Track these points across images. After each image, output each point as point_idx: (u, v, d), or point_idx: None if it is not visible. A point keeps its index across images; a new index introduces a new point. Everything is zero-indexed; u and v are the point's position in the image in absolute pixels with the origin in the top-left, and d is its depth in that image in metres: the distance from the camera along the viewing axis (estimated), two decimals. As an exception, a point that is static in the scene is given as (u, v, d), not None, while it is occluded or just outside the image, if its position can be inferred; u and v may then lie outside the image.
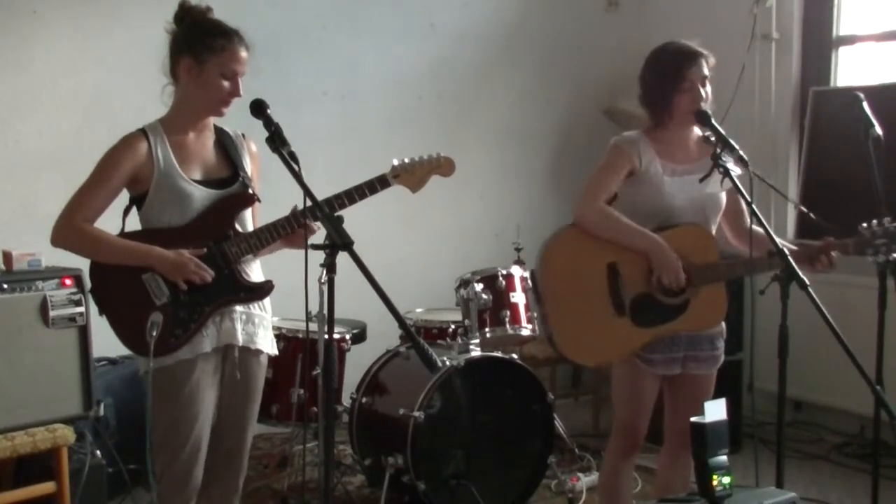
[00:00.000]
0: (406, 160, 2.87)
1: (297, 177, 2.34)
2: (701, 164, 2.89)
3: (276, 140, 2.36)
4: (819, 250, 2.87)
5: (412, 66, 5.27)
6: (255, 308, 2.75)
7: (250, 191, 2.73)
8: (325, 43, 4.98)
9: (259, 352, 2.77)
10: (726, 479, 2.30)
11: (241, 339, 2.70)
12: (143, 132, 2.65)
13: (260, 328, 2.77)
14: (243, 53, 2.66)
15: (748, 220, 3.04)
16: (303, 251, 2.36)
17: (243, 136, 2.82)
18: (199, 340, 2.64)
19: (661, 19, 5.52)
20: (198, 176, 2.67)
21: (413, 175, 2.88)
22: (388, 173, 2.84)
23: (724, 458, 2.31)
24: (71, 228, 2.59)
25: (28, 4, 4.21)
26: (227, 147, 2.75)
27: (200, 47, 2.61)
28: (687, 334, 2.95)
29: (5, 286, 3.29)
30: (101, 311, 2.67)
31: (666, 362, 2.94)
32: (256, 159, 2.83)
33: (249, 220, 2.76)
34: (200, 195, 2.65)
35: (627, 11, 5.81)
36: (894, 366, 3.45)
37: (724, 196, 3.00)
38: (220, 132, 2.77)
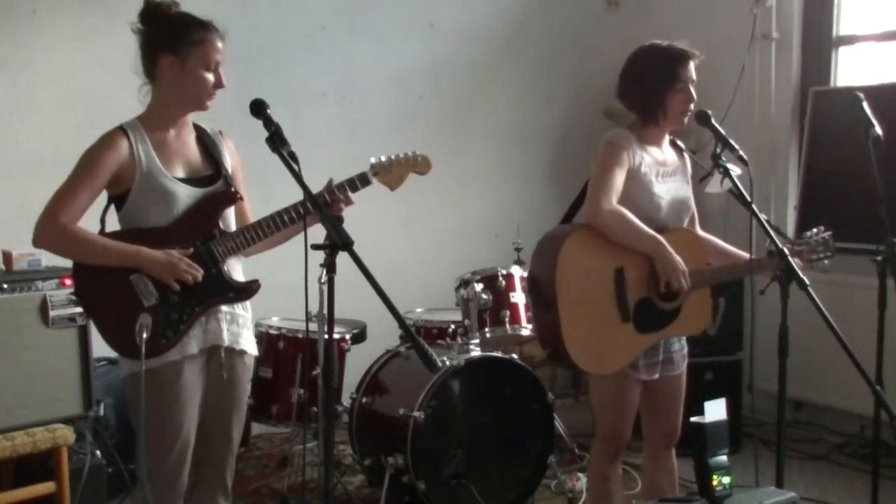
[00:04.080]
0: (383, 158, 2.85)
1: (297, 177, 2.34)
2: (677, 167, 2.98)
3: (276, 140, 2.35)
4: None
5: (412, 66, 5.27)
6: (238, 308, 2.71)
7: (233, 189, 2.69)
8: (325, 43, 4.98)
9: (243, 352, 2.73)
10: (726, 479, 2.30)
11: (226, 339, 2.67)
12: (122, 130, 2.59)
13: (244, 328, 2.73)
14: (220, 43, 2.62)
15: (698, 225, 3.09)
16: (302, 251, 2.35)
17: (221, 133, 2.78)
18: (187, 342, 2.59)
19: (661, 19, 5.52)
20: (181, 174, 2.62)
21: (391, 173, 2.86)
22: (368, 171, 2.81)
23: (724, 458, 2.31)
24: (56, 229, 2.52)
25: (28, 4, 4.21)
26: (207, 145, 2.71)
27: (180, 42, 2.56)
28: (674, 337, 2.96)
29: (5, 286, 3.29)
30: (87, 314, 2.62)
31: (648, 367, 2.93)
32: (236, 156, 2.80)
33: (232, 219, 2.72)
34: (185, 194, 2.60)
35: (627, 11, 5.81)
36: (894, 366, 3.46)
37: (692, 198, 3.02)
38: (199, 130, 2.73)
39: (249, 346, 2.75)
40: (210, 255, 2.61)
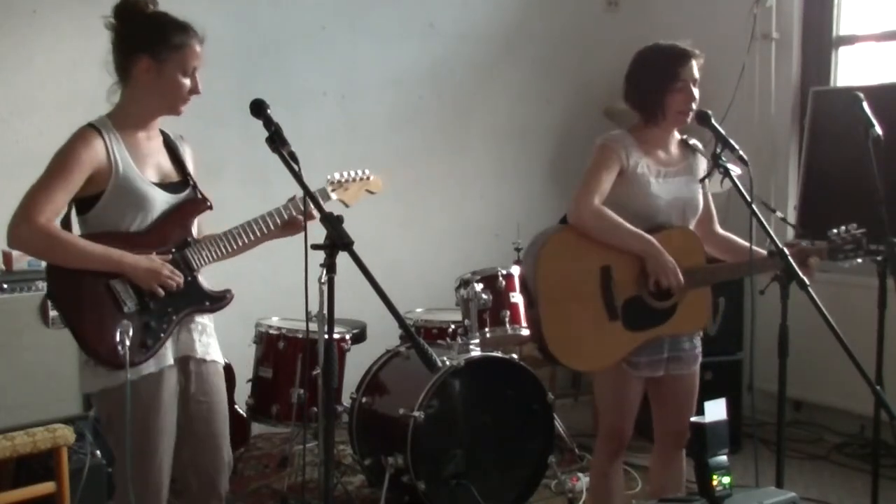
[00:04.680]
0: (337, 175, 2.88)
1: (297, 177, 2.33)
2: (682, 167, 2.96)
3: (276, 140, 2.32)
4: (796, 255, 2.85)
5: (412, 66, 5.27)
6: (206, 318, 2.66)
7: (199, 195, 2.64)
8: (325, 43, 4.98)
9: (215, 362, 2.68)
10: (726, 479, 2.30)
11: (199, 350, 2.61)
12: (95, 129, 2.47)
13: (212, 338, 2.68)
14: (199, 48, 2.52)
15: (717, 224, 3.08)
16: (302, 251, 2.34)
17: (181, 137, 2.71)
18: (163, 353, 2.51)
19: (661, 19, 5.52)
20: (154, 178, 2.54)
21: (347, 190, 2.89)
22: (327, 186, 2.83)
23: (724, 458, 2.31)
24: (36, 229, 2.37)
25: (28, 4, 4.21)
26: (173, 150, 2.65)
27: (159, 45, 2.47)
28: (670, 336, 2.95)
29: (5, 286, 3.29)
30: (64, 319, 2.46)
31: (650, 365, 2.93)
32: (193, 162, 2.71)
33: (196, 227, 2.68)
34: (160, 199, 2.52)
35: (627, 11, 5.81)
36: (894, 366, 3.46)
37: (701, 198, 3.01)
38: (163, 134, 2.65)
39: (218, 355, 2.70)
40: (186, 263, 2.57)
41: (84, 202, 2.49)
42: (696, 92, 2.88)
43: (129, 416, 2.41)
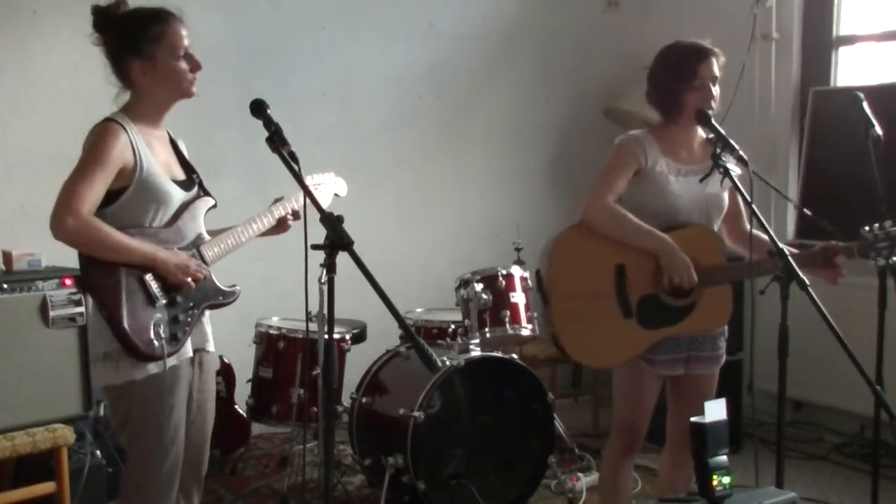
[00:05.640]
0: (310, 179, 2.89)
1: (297, 177, 2.34)
2: (705, 165, 2.90)
3: (276, 140, 2.34)
4: (823, 253, 2.85)
5: (412, 66, 5.27)
6: (208, 311, 2.71)
7: (207, 192, 2.69)
8: (325, 43, 4.98)
9: (214, 352, 2.76)
10: (726, 479, 2.30)
11: (211, 343, 2.70)
12: (118, 124, 2.50)
13: (210, 327, 2.74)
14: (183, 29, 2.54)
15: (746, 222, 3.06)
16: (302, 251, 2.34)
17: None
18: (185, 346, 2.59)
19: (661, 19, 5.52)
20: (168, 175, 2.58)
21: (320, 193, 2.91)
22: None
23: (724, 458, 2.31)
24: (83, 221, 2.39)
25: (28, 4, 4.21)
26: (177, 147, 2.69)
27: (142, 44, 2.50)
28: (689, 334, 2.94)
29: (5, 286, 3.28)
30: (102, 311, 2.47)
31: (669, 363, 2.93)
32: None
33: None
34: (178, 196, 2.57)
35: (627, 11, 5.81)
36: (894, 366, 3.45)
37: (726, 197, 2.99)
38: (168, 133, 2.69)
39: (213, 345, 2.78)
40: (203, 259, 2.62)
41: (105, 197, 2.49)
42: (716, 91, 2.87)
43: (164, 409, 2.49)
